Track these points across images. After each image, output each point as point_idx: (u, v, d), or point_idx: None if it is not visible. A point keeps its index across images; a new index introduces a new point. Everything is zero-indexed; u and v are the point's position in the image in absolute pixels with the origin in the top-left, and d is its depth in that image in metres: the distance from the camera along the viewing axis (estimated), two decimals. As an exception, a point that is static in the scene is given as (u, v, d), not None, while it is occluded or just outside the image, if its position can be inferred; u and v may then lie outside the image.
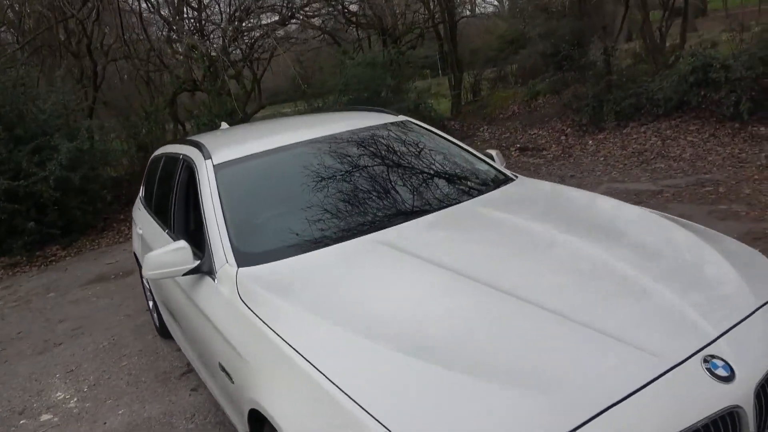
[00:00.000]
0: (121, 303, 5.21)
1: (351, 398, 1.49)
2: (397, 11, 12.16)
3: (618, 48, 9.52)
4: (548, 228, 2.26)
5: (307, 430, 1.56)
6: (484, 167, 3.04)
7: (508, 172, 3.01)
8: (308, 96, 9.62)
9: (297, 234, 2.46)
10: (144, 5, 9.24)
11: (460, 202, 2.65)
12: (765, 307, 1.72)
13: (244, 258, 2.34)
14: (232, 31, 9.58)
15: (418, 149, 3.10)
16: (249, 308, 2.05)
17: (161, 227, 3.44)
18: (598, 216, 2.58)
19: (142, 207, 4.27)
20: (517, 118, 10.41)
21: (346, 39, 13.72)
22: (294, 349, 1.75)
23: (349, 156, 2.95)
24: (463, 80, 13.37)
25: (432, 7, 12.83)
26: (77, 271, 6.61)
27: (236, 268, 2.29)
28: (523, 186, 2.88)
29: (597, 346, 1.55)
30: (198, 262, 2.44)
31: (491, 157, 3.20)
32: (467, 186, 2.85)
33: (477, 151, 3.34)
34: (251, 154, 2.93)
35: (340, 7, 11.91)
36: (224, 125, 4.45)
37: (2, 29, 8.81)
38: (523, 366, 1.51)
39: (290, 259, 2.30)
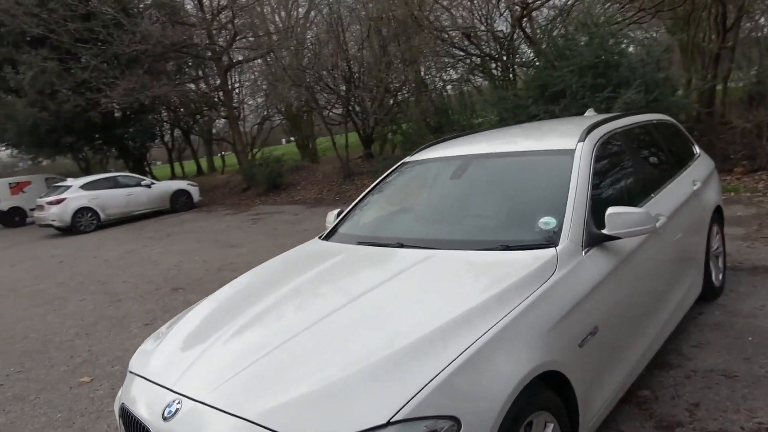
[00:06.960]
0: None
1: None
2: None
3: None
4: (415, 299, 2.19)
5: None
6: (549, 226, 2.49)
7: (563, 242, 2.37)
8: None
9: (358, 227, 3.24)
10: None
11: (443, 249, 2.61)
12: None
13: (332, 233, 3.28)
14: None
15: (528, 186, 2.94)
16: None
17: None
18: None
19: None
20: None
21: None
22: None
23: (470, 176, 3.12)
24: None
25: None
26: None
27: (321, 238, 3.29)
28: (522, 258, 2.34)
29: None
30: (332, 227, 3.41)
31: (592, 224, 2.56)
32: (489, 239, 2.63)
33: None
34: (422, 159, 3.46)
35: None
36: (589, 112, 4.30)
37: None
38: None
39: (331, 243, 3.14)
